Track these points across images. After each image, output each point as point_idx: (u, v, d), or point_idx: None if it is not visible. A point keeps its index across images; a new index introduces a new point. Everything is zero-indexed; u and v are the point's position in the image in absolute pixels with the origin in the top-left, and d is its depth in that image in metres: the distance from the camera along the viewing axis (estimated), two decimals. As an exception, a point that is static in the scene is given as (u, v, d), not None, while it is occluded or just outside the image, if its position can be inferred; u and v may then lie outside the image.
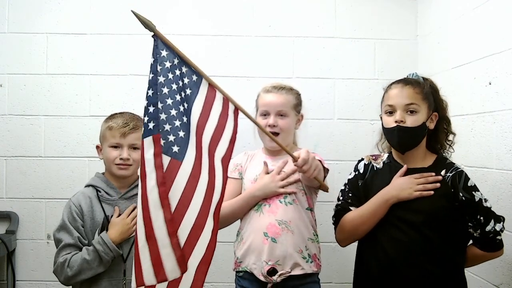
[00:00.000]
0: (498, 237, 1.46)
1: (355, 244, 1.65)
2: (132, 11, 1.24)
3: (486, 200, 1.46)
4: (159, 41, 1.28)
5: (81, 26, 2.37)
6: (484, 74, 1.83)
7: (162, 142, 1.23)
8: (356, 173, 1.66)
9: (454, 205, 1.46)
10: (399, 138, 1.51)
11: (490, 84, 1.80)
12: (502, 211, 1.65)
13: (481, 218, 1.44)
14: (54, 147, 2.36)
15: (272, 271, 1.62)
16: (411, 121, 1.48)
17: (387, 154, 1.64)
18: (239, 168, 1.82)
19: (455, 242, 1.47)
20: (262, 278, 1.63)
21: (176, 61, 1.30)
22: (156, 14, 2.38)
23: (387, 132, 1.55)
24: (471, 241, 1.52)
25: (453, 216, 1.46)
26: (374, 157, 1.66)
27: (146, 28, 1.27)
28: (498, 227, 1.45)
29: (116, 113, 1.74)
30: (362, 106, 2.40)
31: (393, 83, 1.58)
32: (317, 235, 1.74)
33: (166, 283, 1.24)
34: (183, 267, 1.24)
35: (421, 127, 1.50)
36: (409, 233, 1.46)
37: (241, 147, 2.25)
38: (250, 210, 1.71)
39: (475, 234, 1.46)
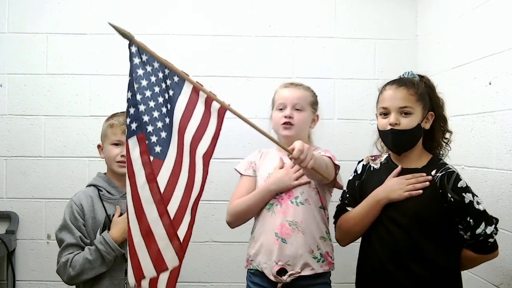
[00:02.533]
0: (491, 240, 1.44)
1: (355, 244, 1.66)
2: (109, 23, 1.25)
3: (479, 203, 1.44)
4: (138, 47, 1.30)
5: (81, 26, 2.37)
6: (484, 74, 1.83)
7: (146, 144, 1.27)
8: (355, 174, 1.67)
9: (443, 206, 1.44)
10: (394, 141, 1.51)
11: (490, 84, 1.80)
12: (502, 211, 1.66)
13: (471, 220, 1.42)
14: (54, 147, 2.36)
15: (281, 271, 1.62)
16: (405, 123, 1.48)
17: (386, 155, 1.64)
18: (253, 166, 1.82)
19: (444, 245, 1.45)
20: (272, 278, 1.64)
21: (156, 64, 1.32)
22: (156, 14, 2.39)
23: (382, 135, 1.55)
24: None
25: (442, 218, 1.45)
26: (373, 158, 1.66)
27: (124, 38, 1.27)
28: (489, 230, 1.42)
29: (117, 112, 1.75)
30: (362, 106, 2.40)
31: (387, 83, 1.56)
32: (329, 233, 1.74)
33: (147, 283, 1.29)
34: (181, 254, 1.30)
35: (416, 129, 1.49)
36: (395, 233, 1.46)
37: (241, 147, 2.27)
38: (264, 207, 1.71)
39: (465, 236, 1.45)
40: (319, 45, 2.41)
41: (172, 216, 1.31)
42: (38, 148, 2.36)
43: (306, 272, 1.63)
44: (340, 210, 1.64)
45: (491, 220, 1.44)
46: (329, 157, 1.63)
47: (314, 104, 1.81)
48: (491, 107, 1.79)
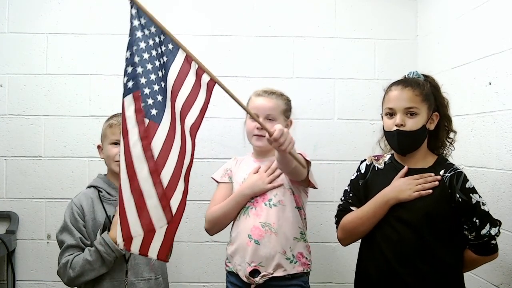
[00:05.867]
0: (493, 241, 1.45)
1: (356, 244, 1.65)
2: None
3: (484, 204, 1.45)
4: (138, 9, 1.30)
5: (81, 26, 2.37)
6: (484, 74, 1.83)
7: (141, 104, 1.28)
8: (358, 173, 1.66)
9: (451, 206, 1.45)
10: (399, 142, 1.51)
11: (490, 84, 1.80)
12: (501, 211, 1.66)
13: (477, 221, 1.43)
14: (54, 147, 2.36)
15: (254, 272, 1.65)
16: (411, 124, 1.48)
17: (389, 155, 1.64)
18: (229, 173, 1.87)
19: (450, 244, 1.46)
20: (245, 279, 1.66)
21: (153, 29, 1.32)
22: (156, 14, 2.38)
23: (388, 136, 1.55)
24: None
25: (449, 217, 1.46)
26: (376, 158, 1.66)
27: None
28: (493, 231, 1.43)
29: (117, 113, 1.75)
30: (362, 106, 2.40)
31: (393, 84, 1.57)
32: (304, 234, 1.76)
33: (139, 243, 1.28)
34: (169, 216, 1.29)
35: (421, 130, 1.50)
36: (403, 232, 1.47)
37: (241, 147, 2.27)
38: (240, 211, 1.75)
39: (470, 237, 1.46)
40: (319, 45, 2.41)
41: (166, 180, 1.30)
42: (38, 148, 2.36)
43: (279, 273, 1.65)
44: (343, 210, 1.63)
45: (495, 222, 1.45)
46: (300, 153, 1.65)
47: (287, 111, 1.83)
48: (491, 107, 1.79)
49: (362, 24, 2.42)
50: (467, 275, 1.53)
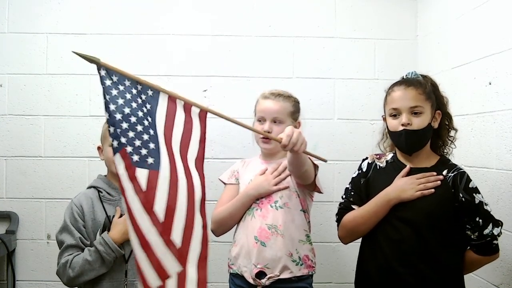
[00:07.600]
0: (495, 241, 1.46)
1: (356, 244, 1.65)
2: (73, 51, 1.26)
3: (486, 204, 1.46)
4: (107, 70, 1.31)
5: (81, 26, 2.37)
6: (484, 74, 1.83)
7: (136, 157, 1.27)
8: (360, 172, 1.66)
9: (454, 206, 1.46)
10: (407, 142, 1.50)
11: (490, 84, 1.80)
12: (502, 212, 1.66)
13: (480, 220, 1.43)
14: (54, 147, 2.36)
15: (261, 274, 1.64)
16: (417, 123, 1.49)
17: (392, 154, 1.64)
18: (236, 175, 1.86)
19: (452, 244, 1.47)
20: (251, 281, 1.65)
21: (127, 82, 1.33)
22: (156, 14, 2.39)
23: (394, 136, 1.55)
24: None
25: (451, 217, 1.46)
26: (378, 156, 1.66)
27: (91, 63, 1.28)
28: (496, 231, 1.44)
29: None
30: (362, 106, 2.40)
31: (394, 84, 1.57)
32: (309, 236, 1.75)
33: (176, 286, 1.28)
34: (182, 261, 1.28)
35: (427, 128, 1.50)
36: (404, 232, 1.47)
37: (241, 147, 2.27)
38: (246, 212, 1.74)
39: (472, 237, 1.46)
40: (319, 45, 2.41)
41: (182, 226, 1.30)
42: (38, 148, 2.36)
43: (285, 275, 1.65)
44: (345, 209, 1.63)
45: (497, 222, 1.46)
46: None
47: (295, 113, 1.82)
48: (491, 107, 1.79)
49: (362, 24, 2.42)
50: (467, 275, 1.54)
